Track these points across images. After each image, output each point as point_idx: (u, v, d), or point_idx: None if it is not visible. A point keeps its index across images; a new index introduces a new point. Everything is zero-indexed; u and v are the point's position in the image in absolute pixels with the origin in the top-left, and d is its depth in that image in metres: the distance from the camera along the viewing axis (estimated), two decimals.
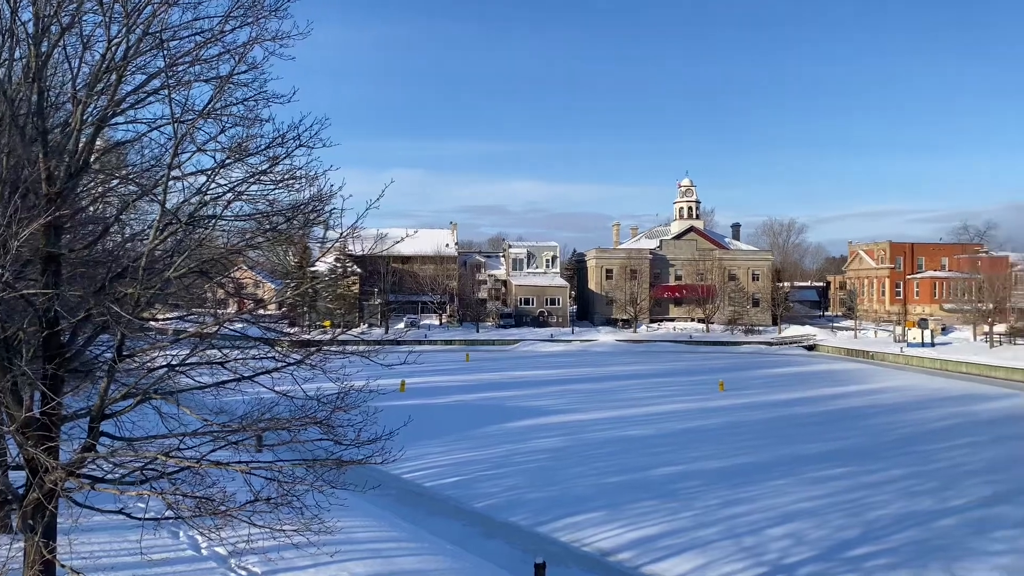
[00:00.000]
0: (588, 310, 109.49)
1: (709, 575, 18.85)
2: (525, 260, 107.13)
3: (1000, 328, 77.52)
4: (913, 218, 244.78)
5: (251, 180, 11.22)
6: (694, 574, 18.92)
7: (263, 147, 11.18)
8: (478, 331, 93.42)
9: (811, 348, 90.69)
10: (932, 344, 77.41)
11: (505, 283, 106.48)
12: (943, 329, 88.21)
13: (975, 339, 79.25)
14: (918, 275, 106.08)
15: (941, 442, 35.81)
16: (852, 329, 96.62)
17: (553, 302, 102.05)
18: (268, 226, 11.96)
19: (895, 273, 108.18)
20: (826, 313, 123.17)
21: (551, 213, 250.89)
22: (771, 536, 21.55)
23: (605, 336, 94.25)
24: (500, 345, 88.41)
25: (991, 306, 76.41)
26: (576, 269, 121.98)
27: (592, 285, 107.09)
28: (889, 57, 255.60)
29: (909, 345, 78.00)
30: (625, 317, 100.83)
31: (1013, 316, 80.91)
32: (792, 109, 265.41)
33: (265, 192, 11.69)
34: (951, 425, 40.66)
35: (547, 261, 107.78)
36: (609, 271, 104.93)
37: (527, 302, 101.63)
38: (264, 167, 11.11)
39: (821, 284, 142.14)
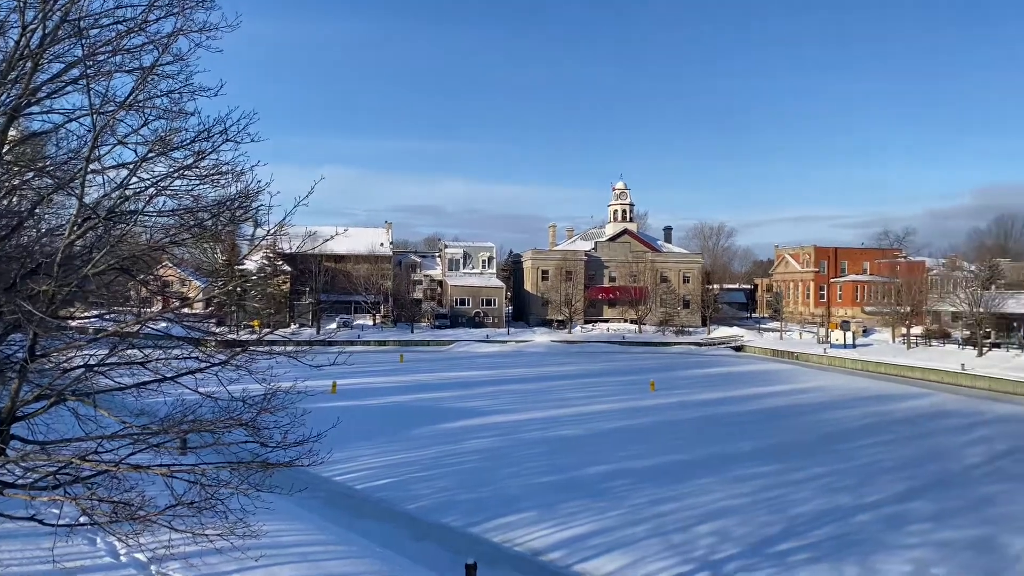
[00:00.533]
0: (524, 311, 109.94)
1: (638, 572, 19.12)
2: (461, 260, 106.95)
3: (917, 330, 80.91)
4: (837, 223, 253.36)
5: (175, 175, 10.90)
6: (623, 572, 19.17)
7: (188, 141, 10.86)
8: (413, 332, 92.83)
9: (739, 349, 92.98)
10: (854, 345, 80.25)
11: (441, 283, 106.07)
12: (864, 331, 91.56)
13: (893, 341, 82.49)
14: (841, 279, 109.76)
15: (860, 440, 37.15)
16: (778, 330, 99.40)
17: (489, 303, 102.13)
18: (193, 222, 11.65)
19: (819, 276, 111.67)
20: (753, 315, 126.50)
21: (488, 214, 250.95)
22: (698, 533, 22.01)
23: (540, 337, 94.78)
24: (435, 346, 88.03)
25: (908, 309, 79.64)
26: (512, 270, 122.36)
27: (528, 286, 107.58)
28: (814, 69, 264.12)
29: (832, 346, 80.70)
30: (560, 318, 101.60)
31: (928, 319, 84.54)
32: (723, 115, 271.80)
33: (190, 187, 11.37)
34: (870, 424, 42.21)
35: (483, 262, 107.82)
36: (545, 272, 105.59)
37: (463, 303, 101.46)
38: (189, 162, 10.81)
39: (749, 287, 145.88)
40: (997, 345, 68.99)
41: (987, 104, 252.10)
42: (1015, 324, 70.22)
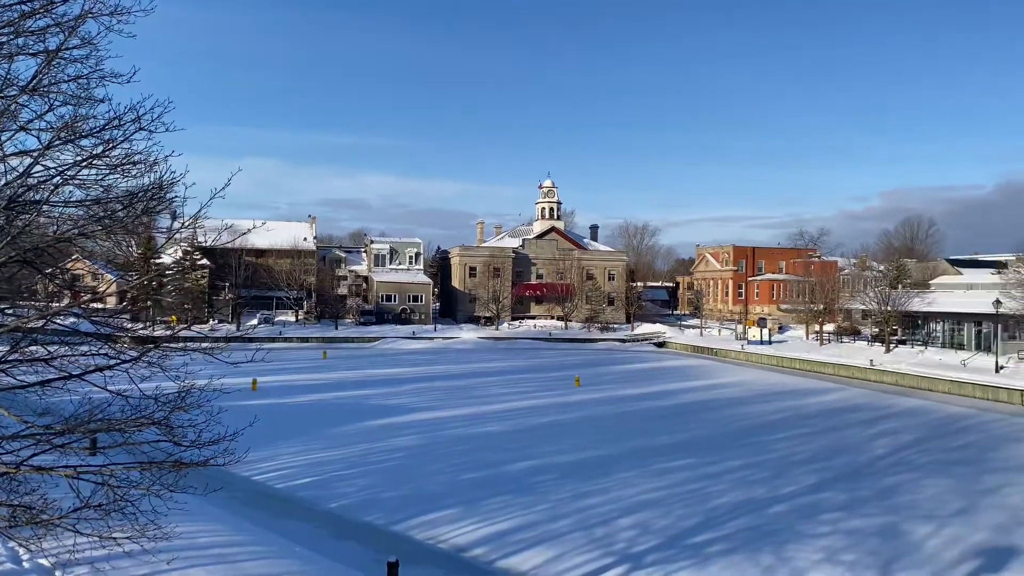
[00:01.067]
0: (451, 307, 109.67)
1: (561, 566, 19.30)
2: (387, 256, 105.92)
3: (829, 327, 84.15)
4: (756, 223, 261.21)
5: (83, 164, 10.44)
6: (547, 566, 19.33)
7: (98, 129, 10.42)
8: (337, 328, 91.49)
9: (661, 345, 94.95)
10: (770, 342, 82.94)
11: (366, 279, 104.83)
12: (780, 328, 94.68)
13: (807, 337, 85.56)
14: (758, 277, 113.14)
15: (775, 433, 38.42)
16: (698, 327, 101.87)
17: (416, 299, 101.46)
18: (103, 214, 11.18)
19: (738, 275, 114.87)
20: (675, 312, 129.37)
21: (415, 209, 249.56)
22: (620, 526, 22.37)
23: (467, 334, 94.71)
24: (359, 343, 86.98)
25: (821, 307, 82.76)
26: (440, 266, 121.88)
27: (456, 282, 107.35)
28: (736, 70, 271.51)
29: (749, 343, 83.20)
30: (488, 315, 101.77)
31: (840, 316, 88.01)
32: (648, 115, 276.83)
33: (100, 177, 10.92)
34: (785, 417, 43.69)
35: (410, 258, 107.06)
36: (473, 269, 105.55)
37: (389, 299, 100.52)
38: (98, 150, 10.37)
39: (671, 284, 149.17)
40: (903, 342, 72.34)
41: (896, 109, 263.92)
42: (920, 321, 73.68)
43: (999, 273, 73.44)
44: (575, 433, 37.44)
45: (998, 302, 56.95)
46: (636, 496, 25.76)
